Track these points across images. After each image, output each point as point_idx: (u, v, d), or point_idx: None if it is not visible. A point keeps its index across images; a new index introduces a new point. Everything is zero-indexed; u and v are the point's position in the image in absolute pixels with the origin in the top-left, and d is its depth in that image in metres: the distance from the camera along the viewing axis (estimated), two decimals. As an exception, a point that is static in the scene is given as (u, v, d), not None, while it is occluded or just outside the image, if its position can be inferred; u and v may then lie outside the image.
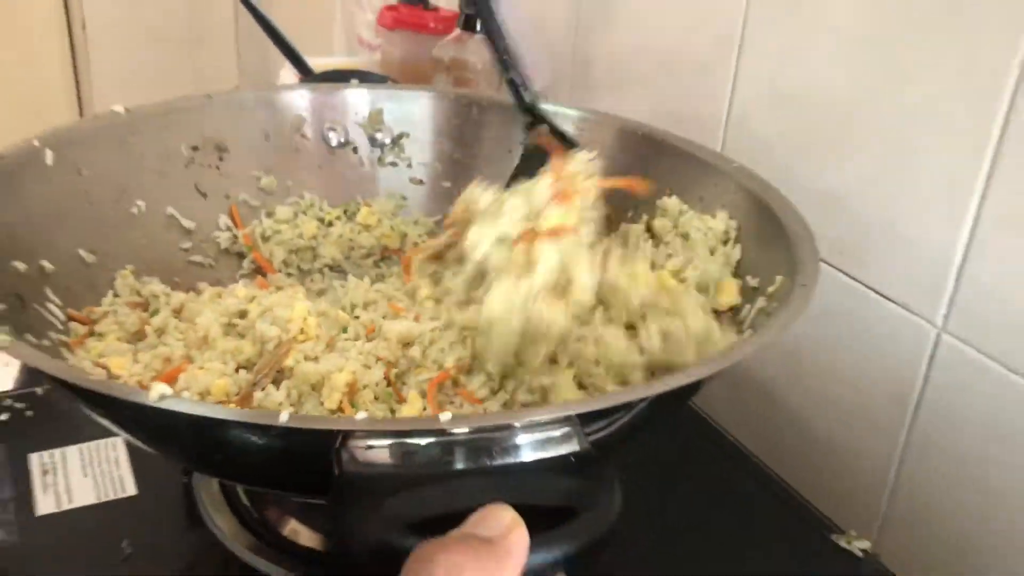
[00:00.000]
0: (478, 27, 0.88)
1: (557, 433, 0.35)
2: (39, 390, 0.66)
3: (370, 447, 0.33)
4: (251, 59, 1.63)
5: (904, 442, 0.63)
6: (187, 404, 0.34)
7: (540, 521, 0.31)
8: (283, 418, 0.33)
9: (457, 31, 0.89)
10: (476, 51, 0.88)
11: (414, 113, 0.65)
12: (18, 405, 0.63)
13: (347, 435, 0.33)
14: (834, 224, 0.64)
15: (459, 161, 0.64)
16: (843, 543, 0.56)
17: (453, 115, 0.64)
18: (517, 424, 0.34)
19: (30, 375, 0.67)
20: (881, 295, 0.61)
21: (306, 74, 0.83)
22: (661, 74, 0.79)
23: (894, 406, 0.63)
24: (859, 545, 0.55)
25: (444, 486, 0.32)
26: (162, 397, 0.34)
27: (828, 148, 0.64)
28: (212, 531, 0.54)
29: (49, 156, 0.53)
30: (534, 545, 0.29)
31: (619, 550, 0.56)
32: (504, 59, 0.57)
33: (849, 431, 0.67)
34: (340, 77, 0.73)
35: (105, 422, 0.40)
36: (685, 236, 0.55)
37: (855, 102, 0.61)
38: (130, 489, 0.57)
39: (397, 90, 0.66)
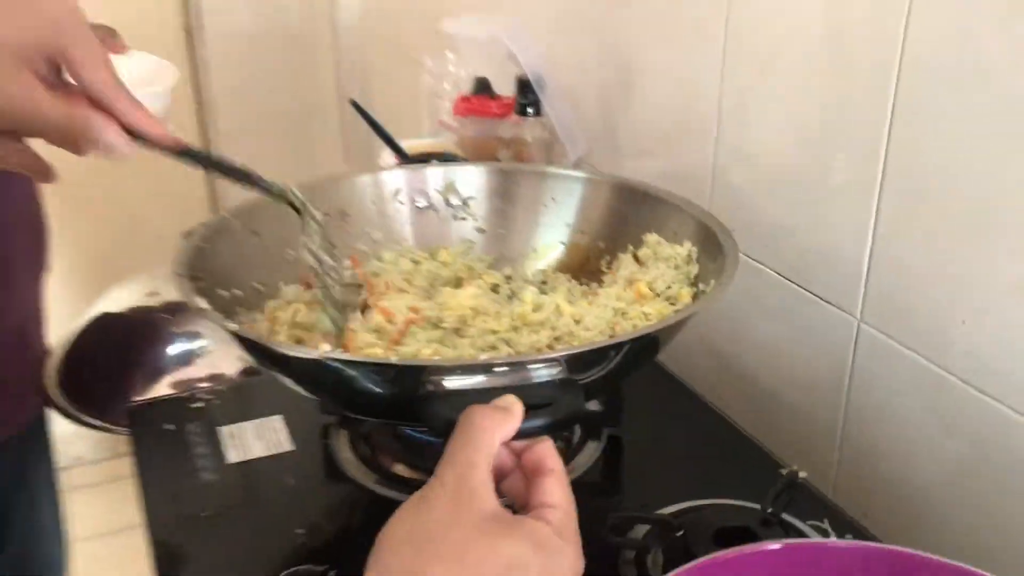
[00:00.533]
0: (529, 112, 1.14)
1: (555, 370, 0.60)
2: (222, 387, 0.93)
3: (443, 378, 0.58)
4: (356, 143, 1.93)
5: (845, 402, 0.85)
6: (338, 354, 0.60)
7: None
8: (393, 359, 0.58)
9: (515, 116, 1.15)
10: (529, 130, 1.15)
11: (476, 182, 0.91)
12: (208, 396, 0.91)
13: (431, 370, 0.58)
14: (782, 245, 0.88)
15: (508, 214, 0.89)
16: (784, 472, 0.78)
17: (502, 182, 0.90)
18: (528, 362, 0.59)
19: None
20: (814, 294, 0.84)
21: (401, 156, 1.11)
22: (665, 143, 1.04)
23: (835, 378, 0.85)
24: (796, 471, 0.77)
25: (485, 395, 0.57)
26: (324, 353, 0.60)
27: (774, 188, 0.87)
28: (345, 472, 0.79)
29: (236, 223, 0.80)
30: (526, 416, 0.53)
31: (612, 478, 0.80)
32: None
33: (805, 400, 0.89)
34: (424, 159, 1.00)
35: (284, 378, 0.66)
36: (665, 260, 0.79)
37: (789, 156, 0.85)
38: (287, 447, 0.83)
39: (464, 166, 0.93)
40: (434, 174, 0.92)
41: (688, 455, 0.83)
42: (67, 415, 1.08)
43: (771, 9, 0.85)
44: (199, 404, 0.89)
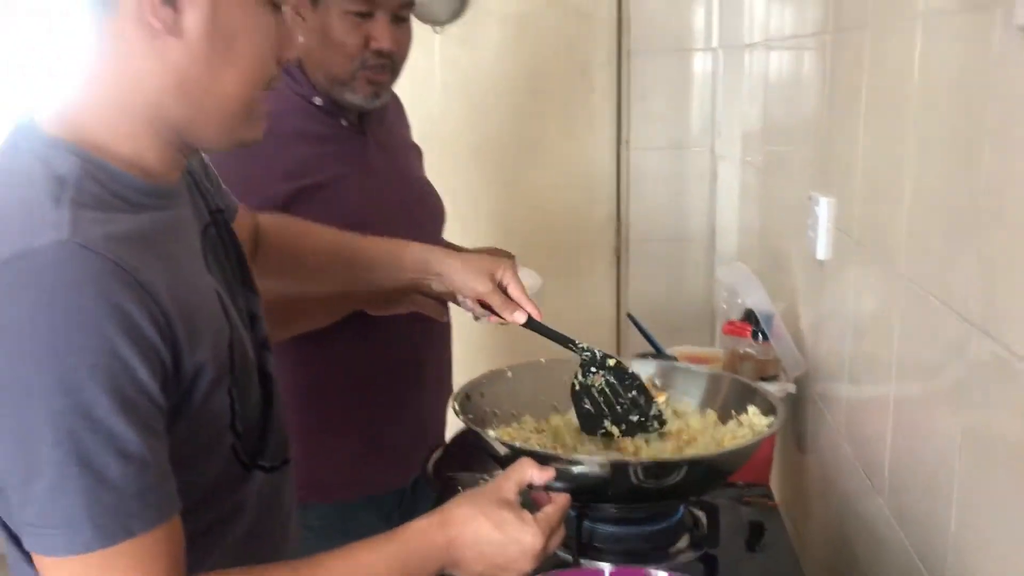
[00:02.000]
0: (760, 337, 1.58)
1: (594, 468, 1.06)
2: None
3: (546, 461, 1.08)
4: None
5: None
6: (502, 438, 1.13)
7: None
8: (523, 445, 1.10)
9: (749, 338, 1.59)
10: (754, 347, 1.58)
11: (671, 373, 1.39)
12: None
13: (535, 455, 1.09)
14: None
15: (687, 391, 1.36)
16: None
17: (682, 374, 1.37)
18: (578, 461, 1.07)
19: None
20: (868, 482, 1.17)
21: (658, 352, 1.61)
22: (845, 369, 1.41)
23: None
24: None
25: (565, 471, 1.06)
26: (493, 437, 1.13)
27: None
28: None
29: (509, 373, 1.38)
30: (565, 479, 1.02)
31: None
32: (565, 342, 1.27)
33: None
34: (660, 357, 1.50)
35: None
36: (751, 427, 1.21)
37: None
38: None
39: (667, 362, 1.41)
40: (654, 365, 1.42)
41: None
42: (429, 484, 1.71)
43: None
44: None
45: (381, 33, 1.45)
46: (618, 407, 1.26)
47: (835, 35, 1.41)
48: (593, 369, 1.28)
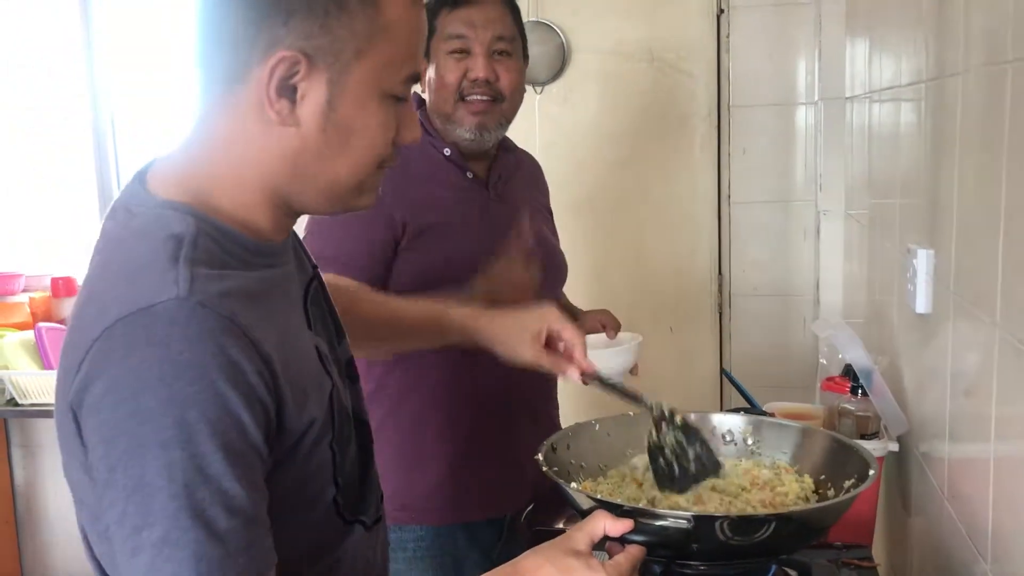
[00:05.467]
0: (859, 392, 1.53)
1: (680, 522, 1.05)
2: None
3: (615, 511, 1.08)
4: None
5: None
6: (580, 489, 1.13)
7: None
8: (599, 496, 1.10)
9: (848, 394, 1.55)
10: (853, 403, 1.53)
11: (762, 429, 1.36)
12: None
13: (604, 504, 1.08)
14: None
15: (773, 445, 1.33)
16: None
17: (774, 429, 1.34)
18: (661, 514, 1.05)
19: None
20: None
21: (752, 407, 1.58)
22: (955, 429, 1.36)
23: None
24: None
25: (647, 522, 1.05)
26: (574, 488, 1.13)
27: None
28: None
29: (596, 426, 1.37)
30: (644, 532, 1.01)
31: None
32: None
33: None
34: (751, 412, 1.48)
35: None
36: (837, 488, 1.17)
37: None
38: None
39: (757, 417, 1.38)
40: (745, 420, 1.39)
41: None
42: (521, 534, 1.70)
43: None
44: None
45: (475, 63, 1.59)
46: (686, 463, 1.24)
47: (929, 85, 1.38)
48: (664, 426, 1.25)
